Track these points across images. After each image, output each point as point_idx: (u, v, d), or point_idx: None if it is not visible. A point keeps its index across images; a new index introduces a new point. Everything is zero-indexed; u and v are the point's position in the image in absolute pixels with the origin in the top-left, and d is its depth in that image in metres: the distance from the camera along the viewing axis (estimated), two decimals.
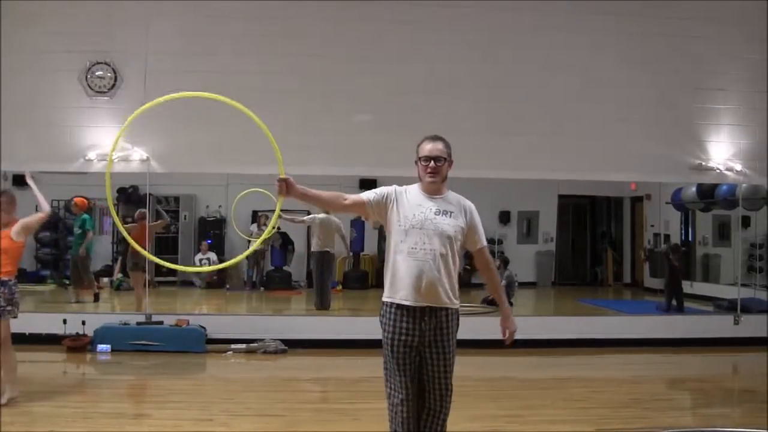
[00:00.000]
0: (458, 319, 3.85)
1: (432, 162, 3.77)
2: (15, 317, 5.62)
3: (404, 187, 3.87)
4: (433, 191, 3.82)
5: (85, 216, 10.27)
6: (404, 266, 3.72)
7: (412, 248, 3.70)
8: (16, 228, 5.63)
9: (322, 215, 10.33)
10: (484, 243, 3.88)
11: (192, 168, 8.83)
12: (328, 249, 10.39)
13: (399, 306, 3.74)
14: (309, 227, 10.64)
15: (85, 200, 10.25)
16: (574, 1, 8.78)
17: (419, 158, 3.83)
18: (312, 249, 10.55)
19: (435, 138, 3.85)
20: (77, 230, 10.23)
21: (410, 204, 3.78)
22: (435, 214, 3.75)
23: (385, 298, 3.82)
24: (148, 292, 9.11)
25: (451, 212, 3.78)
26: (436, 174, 3.78)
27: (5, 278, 5.52)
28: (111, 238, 12.46)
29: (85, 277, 10.30)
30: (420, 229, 3.71)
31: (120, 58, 8.42)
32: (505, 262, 11.64)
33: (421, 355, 3.76)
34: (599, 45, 8.87)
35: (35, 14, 8.29)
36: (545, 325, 9.14)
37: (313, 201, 3.91)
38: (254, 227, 12.04)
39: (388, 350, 3.78)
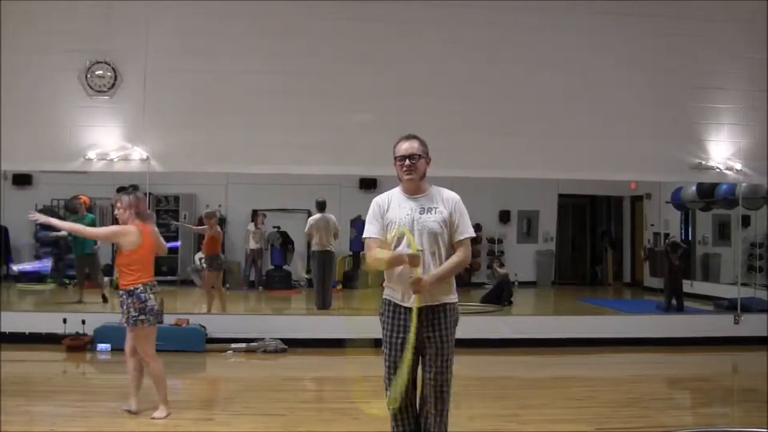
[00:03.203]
0: (457, 314, 3.87)
1: (407, 160, 3.82)
2: (152, 325, 5.32)
3: (386, 193, 3.93)
4: (413, 190, 3.86)
5: (91, 215, 10.24)
6: (400, 269, 3.76)
7: (405, 250, 3.74)
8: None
9: (318, 215, 10.31)
10: (466, 235, 3.82)
11: (192, 168, 8.83)
12: (328, 248, 10.38)
13: (396, 305, 3.79)
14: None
15: (88, 199, 10.22)
16: (574, 1, 8.78)
17: (395, 158, 3.87)
18: (312, 249, 10.52)
19: (409, 137, 3.91)
20: None
21: (395, 208, 3.84)
22: (419, 213, 3.80)
23: (384, 296, 3.88)
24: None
25: (434, 208, 3.82)
26: (412, 171, 3.82)
27: (131, 287, 5.29)
28: None
29: (96, 277, 10.31)
30: (409, 231, 3.75)
31: (120, 57, 8.42)
32: (501, 263, 11.67)
33: (419, 353, 3.79)
34: (599, 45, 8.87)
35: (35, 14, 8.29)
36: (545, 325, 9.14)
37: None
38: (251, 226, 12.07)
39: (386, 348, 3.84)
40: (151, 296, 5.30)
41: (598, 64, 8.87)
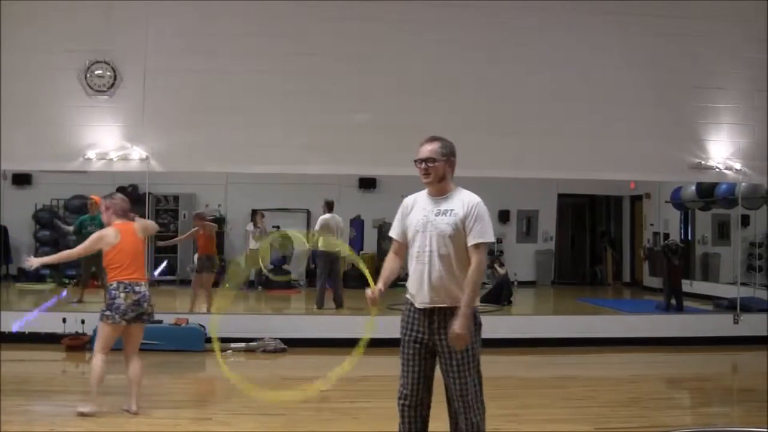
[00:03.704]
0: (477, 317, 3.84)
1: (423, 164, 3.83)
2: (116, 323, 5.33)
3: (414, 195, 3.95)
4: (435, 192, 3.86)
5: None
6: (412, 270, 3.83)
7: (417, 252, 3.81)
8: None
9: (327, 215, 10.31)
10: (479, 240, 3.74)
11: (191, 167, 8.83)
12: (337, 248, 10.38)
13: (412, 304, 3.85)
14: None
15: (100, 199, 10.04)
16: (574, 1, 8.78)
17: (414, 161, 3.88)
18: (320, 248, 10.43)
19: (430, 139, 3.89)
20: (93, 230, 10.07)
21: (416, 209, 3.87)
22: (435, 215, 3.80)
23: (406, 295, 3.92)
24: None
25: (451, 210, 3.79)
26: (427, 175, 3.82)
27: (108, 284, 5.40)
28: None
29: (102, 277, 10.30)
30: (422, 233, 3.79)
31: (119, 57, 8.41)
32: (500, 263, 11.66)
33: (435, 355, 3.81)
34: (599, 45, 8.88)
35: (35, 13, 8.29)
36: (544, 324, 9.14)
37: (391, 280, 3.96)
38: (250, 226, 12.07)
39: (401, 346, 3.88)
40: (122, 295, 5.30)
41: (598, 64, 8.87)
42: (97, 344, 5.43)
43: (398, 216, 3.96)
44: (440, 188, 3.85)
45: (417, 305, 3.81)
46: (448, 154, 3.86)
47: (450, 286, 3.75)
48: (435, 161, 3.81)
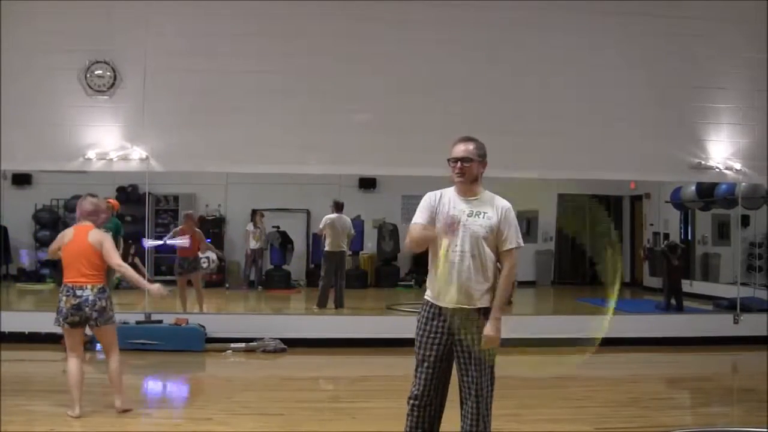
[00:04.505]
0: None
1: (459, 163, 3.83)
2: (60, 325, 5.37)
3: (440, 191, 3.92)
4: (466, 192, 3.86)
5: (117, 220, 9.87)
6: (439, 269, 3.80)
7: (445, 251, 3.78)
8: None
9: (334, 215, 10.29)
10: (513, 245, 3.82)
11: (191, 167, 8.83)
12: (343, 249, 10.37)
13: (433, 305, 3.83)
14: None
15: (117, 202, 9.24)
16: (574, 1, 8.78)
17: (448, 159, 3.87)
18: (327, 249, 10.32)
19: (465, 139, 3.91)
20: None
21: (445, 207, 3.84)
22: (468, 216, 3.79)
23: (425, 296, 3.91)
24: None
25: (484, 213, 3.81)
26: (463, 175, 3.82)
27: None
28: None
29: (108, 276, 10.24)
30: (453, 233, 3.76)
31: (119, 57, 8.41)
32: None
33: (453, 354, 3.80)
34: (599, 45, 8.88)
35: (35, 13, 8.29)
36: (544, 324, 9.16)
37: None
38: (250, 226, 12.07)
39: (416, 345, 3.87)
40: (63, 298, 5.31)
41: (598, 64, 8.86)
42: (67, 349, 5.46)
43: (425, 206, 3.86)
44: (471, 189, 3.85)
45: (440, 305, 3.80)
46: (483, 156, 3.89)
47: (476, 287, 3.77)
48: (471, 161, 3.83)
